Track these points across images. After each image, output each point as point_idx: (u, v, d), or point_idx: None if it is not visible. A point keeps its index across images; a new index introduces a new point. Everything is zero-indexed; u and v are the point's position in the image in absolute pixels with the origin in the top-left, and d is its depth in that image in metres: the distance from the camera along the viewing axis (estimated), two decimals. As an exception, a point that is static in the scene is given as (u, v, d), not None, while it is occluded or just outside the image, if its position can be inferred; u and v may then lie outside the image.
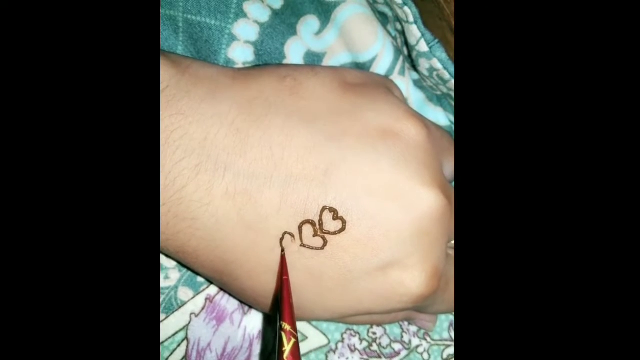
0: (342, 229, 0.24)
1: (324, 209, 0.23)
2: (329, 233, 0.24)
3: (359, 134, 0.24)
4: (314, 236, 0.24)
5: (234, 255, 0.24)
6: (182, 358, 0.32)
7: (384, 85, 0.27)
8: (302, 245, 0.24)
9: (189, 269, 0.31)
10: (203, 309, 0.32)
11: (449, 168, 0.28)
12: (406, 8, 0.29)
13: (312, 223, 0.24)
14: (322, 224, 0.24)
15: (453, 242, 0.28)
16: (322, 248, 0.24)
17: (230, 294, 0.32)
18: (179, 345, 0.32)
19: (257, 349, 0.33)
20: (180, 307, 0.32)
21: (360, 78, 0.27)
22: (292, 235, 0.24)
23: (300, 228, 0.24)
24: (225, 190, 0.23)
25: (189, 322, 0.32)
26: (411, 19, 0.29)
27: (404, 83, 0.33)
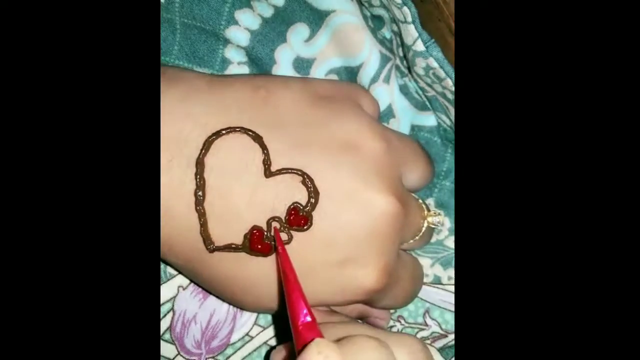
0: (308, 227, 0.26)
1: (290, 206, 0.26)
2: (294, 229, 0.26)
3: (324, 145, 0.26)
4: (280, 231, 0.26)
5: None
6: (167, 328, 0.35)
7: (352, 98, 0.29)
8: (269, 238, 0.26)
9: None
10: (191, 282, 0.34)
11: (413, 176, 0.30)
12: (405, 8, 0.30)
13: (279, 220, 0.26)
14: (288, 220, 0.26)
15: (405, 244, 0.31)
16: (288, 243, 0.26)
17: (200, 286, 0.33)
18: (164, 316, 0.35)
19: (240, 322, 0.35)
20: (169, 280, 0.34)
21: (330, 90, 0.29)
22: (261, 228, 0.26)
23: (268, 223, 0.26)
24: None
25: (177, 295, 0.34)
26: (409, 18, 0.30)
27: (388, 90, 0.35)
